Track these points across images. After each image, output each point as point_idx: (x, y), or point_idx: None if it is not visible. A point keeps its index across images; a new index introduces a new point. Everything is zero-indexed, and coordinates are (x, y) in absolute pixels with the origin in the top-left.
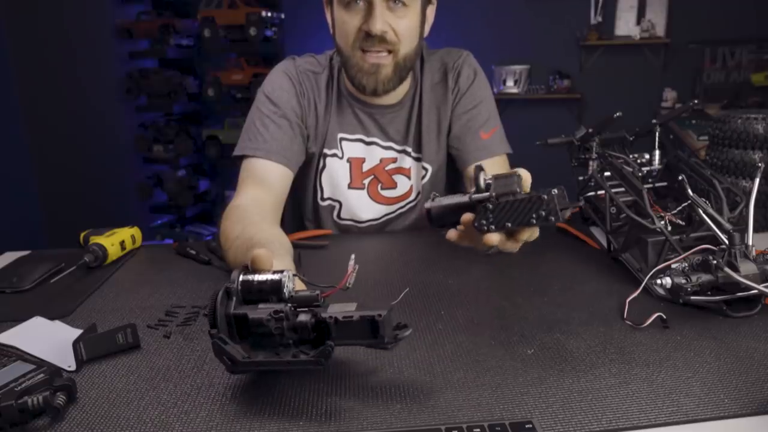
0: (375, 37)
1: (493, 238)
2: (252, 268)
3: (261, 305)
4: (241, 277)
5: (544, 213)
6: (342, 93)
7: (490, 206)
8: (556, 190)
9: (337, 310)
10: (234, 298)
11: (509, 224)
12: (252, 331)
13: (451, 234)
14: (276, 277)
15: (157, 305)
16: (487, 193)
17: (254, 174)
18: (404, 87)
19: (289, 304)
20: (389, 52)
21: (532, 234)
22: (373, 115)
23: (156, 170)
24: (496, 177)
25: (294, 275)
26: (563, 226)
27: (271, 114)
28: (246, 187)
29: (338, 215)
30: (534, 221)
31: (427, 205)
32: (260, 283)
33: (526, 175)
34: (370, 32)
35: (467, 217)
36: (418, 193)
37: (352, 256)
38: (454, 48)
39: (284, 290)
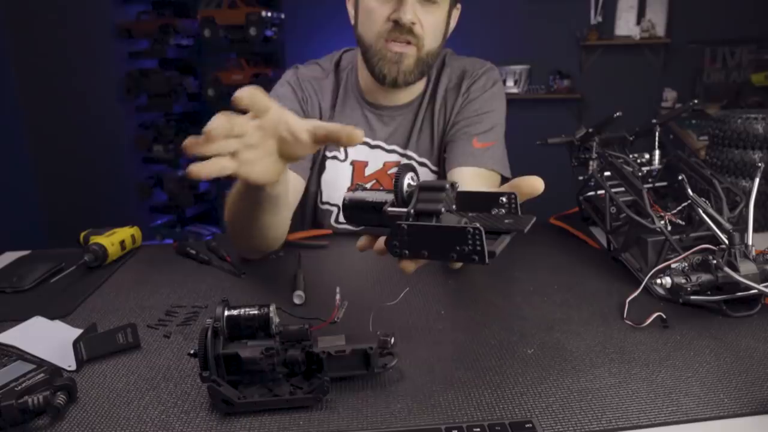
0: (403, 27)
1: (409, 266)
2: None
3: (250, 342)
4: (226, 312)
5: (467, 249)
6: (351, 94)
7: (405, 227)
8: (478, 224)
9: (328, 344)
10: (221, 337)
11: (425, 253)
12: (243, 369)
13: (361, 242)
14: (263, 311)
15: (157, 305)
16: (405, 209)
17: None
18: (418, 86)
19: (278, 339)
20: (413, 45)
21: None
22: (382, 117)
23: (156, 170)
24: (422, 187)
25: (278, 308)
26: (563, 225)
27: None
28: None
29: (336, 219)
30: (454, 257)
31: (347, 195)
32: (248, 319)
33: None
34: (400, 21)
35: (380, 234)
36: None
37: (338, 289)
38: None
39: (272, 325)
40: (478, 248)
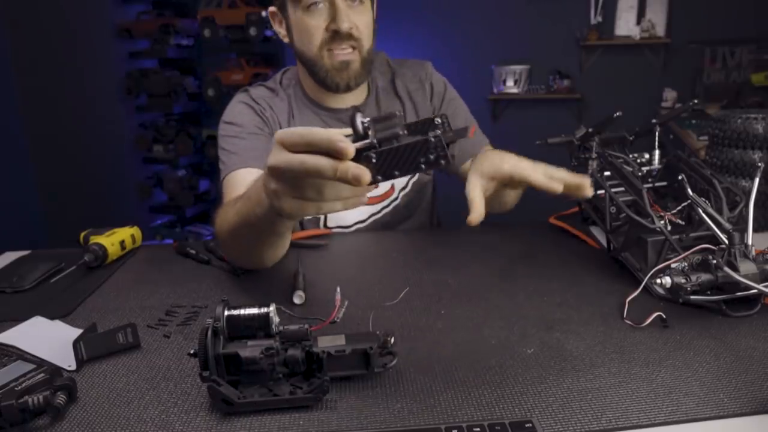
0: (342, 34)
1: (476, 204)
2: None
3: (250, 342)
4: (226, 312)
5: (432, 156)
6: (303, 105)
7: (373, 155)
8: (438, 131)
9: (328, 343)
10: (221, 336)
11: (397, 173)
12: (243, 368)
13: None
14: (263, 311)
15: (157, 305)
16: (368, 140)
17: (238, 183)
18: (362, 91)
19: (278, 339)
20: (354, 48)
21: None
22: (341, 120)
23: (156, 170)
24: (374, 120)
25: (278, 308)
26: (563, 225)
27: (238, 133)
28: (232, 193)
29: (324, 224)
30: (423, 166)
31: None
32: (248, 319)
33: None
34: (339, 30)
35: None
36: (401, 190)
37: (338, 289)
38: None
39: (272, 325)
40: (441, 153)
